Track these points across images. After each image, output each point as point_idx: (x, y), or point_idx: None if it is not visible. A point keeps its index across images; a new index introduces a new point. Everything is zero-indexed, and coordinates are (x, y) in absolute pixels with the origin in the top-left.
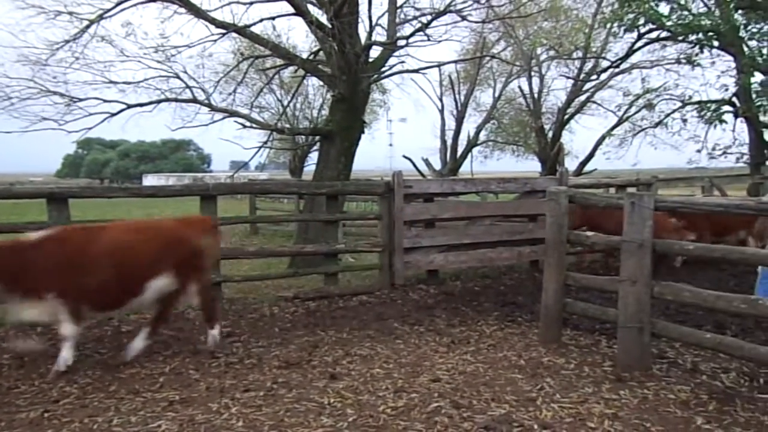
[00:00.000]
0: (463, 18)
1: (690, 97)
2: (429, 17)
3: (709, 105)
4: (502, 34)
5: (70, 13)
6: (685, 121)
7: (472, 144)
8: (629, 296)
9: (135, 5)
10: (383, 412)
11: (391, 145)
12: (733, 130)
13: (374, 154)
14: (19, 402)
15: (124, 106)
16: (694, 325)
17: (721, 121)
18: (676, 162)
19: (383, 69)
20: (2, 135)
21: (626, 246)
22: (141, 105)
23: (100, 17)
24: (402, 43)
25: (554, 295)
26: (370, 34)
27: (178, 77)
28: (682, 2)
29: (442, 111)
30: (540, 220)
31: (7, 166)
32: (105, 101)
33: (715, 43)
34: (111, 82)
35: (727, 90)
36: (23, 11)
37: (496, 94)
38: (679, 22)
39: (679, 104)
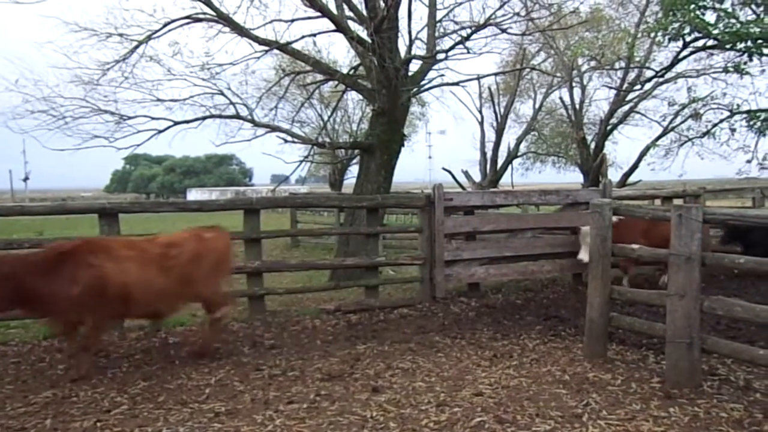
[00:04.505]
0: (503, 31)
1: (738, 106)
2: (468, 31)
3: (758, 114)
4: (543, 45)
5: (120, 35)
6: (733, 130)
7: (512, 156)
8: (677, 310)
9: (181, 26)
10: (426, 426)
11: (430, 157)
12: None
13: (414, 167)
14: (73, 411)
15: (171, 123)
16: (747, 340)
17: None
18: (724, 172)
19: (423, 82)
20: (53, 154)
21: (674, 259)
22: (187, 122)
23: (148, 38)
24: (441, 56)
25: (599, 308)
26: (409, 48)
27: (222, 94)
28: (729, 10)
29: (481, 123)
30: None
31: (59, 181)
32: (153, 118)
33: (765, 51)
34: (158, 99)
35: None
36: (76, 34)
37: (537, 106)
38: (726, 30)
39: (728, 113)
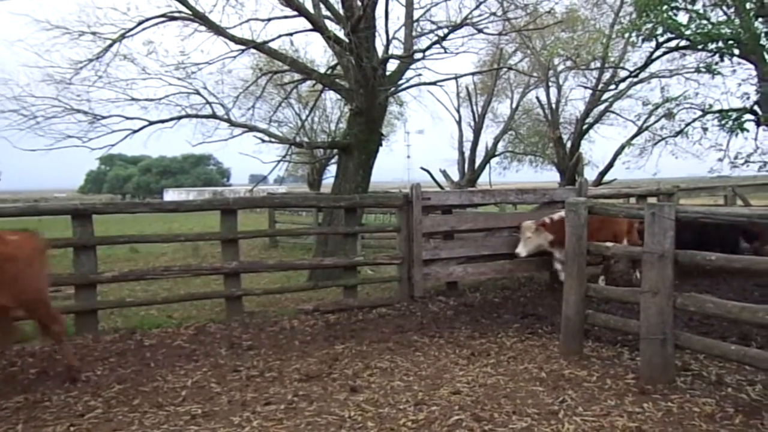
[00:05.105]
0: (480, 30)
1: (710, 106)
2: (445, 30)
3: (730, 113)
4: (519, 45)
5: (94, 33)
6: (705, 129)
7: (490, 155)
8: (651, 307)
9: (156, 24)
10: (404, 425)
11: (408, 157)
12: (755, 138)
13: (392, 166)
14: (45, 416)
15: (146, 123)
16: (719, 336)
17: (743, 130)
18: (697, 171)
19: (400, 82)
20: (27, 153)
21: (647, 257)
22: (162, 121)
23: (123, 36)
24: (419, 56)
25: (575, 306)
26: (387, 47)
27: (198, 93)
28: (701, 11)
29: (459, 122)
30: None
31: (32, 182)
32: (127, 118)
33: (736, 52)
34: (133, 99)
35: (748, 98)
36: (48, 32)
37: (514, 105)
38: (698, 31)
39: (700, 113)
